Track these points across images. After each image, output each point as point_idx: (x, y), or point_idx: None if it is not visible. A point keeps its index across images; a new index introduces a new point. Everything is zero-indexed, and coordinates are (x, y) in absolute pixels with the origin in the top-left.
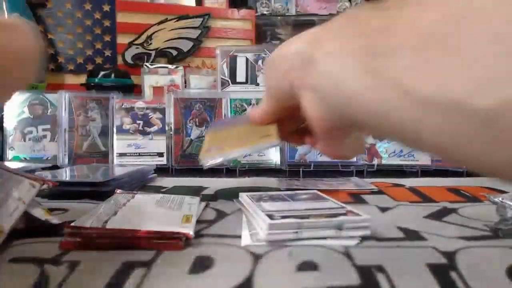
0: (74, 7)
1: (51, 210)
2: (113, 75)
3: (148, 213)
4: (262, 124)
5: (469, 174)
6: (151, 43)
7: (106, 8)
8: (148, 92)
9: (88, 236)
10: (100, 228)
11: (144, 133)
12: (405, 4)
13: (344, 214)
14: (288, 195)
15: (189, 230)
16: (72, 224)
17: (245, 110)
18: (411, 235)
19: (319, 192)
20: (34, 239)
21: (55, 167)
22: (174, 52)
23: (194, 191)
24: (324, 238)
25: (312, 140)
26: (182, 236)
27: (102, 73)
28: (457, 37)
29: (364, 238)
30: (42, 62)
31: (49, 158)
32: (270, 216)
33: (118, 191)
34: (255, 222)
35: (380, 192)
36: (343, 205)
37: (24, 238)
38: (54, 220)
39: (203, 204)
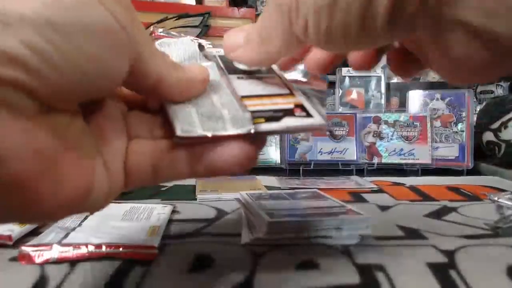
0: None
1: None
2: None
3: (113, 225)
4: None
5: (469, 173)
6: None
7: None
8: None
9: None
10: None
11: None
12: None
13: (344, 213)
14: (288, 194)
15: (153, 242)
16: (32, 242)
17: None
18: (411, 234)
19: (319, 191)
20: (35, 237)
21: None
22: None
23: (194, 190)
24: (324, 237)
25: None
26: (149, 251)
27: None
28: None
29: (364, 237)
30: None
31: None
32: (270, 215)
33: None
34: (255, 221)
35: (380, 190)
36: (343, 204)
37: (27, 238)
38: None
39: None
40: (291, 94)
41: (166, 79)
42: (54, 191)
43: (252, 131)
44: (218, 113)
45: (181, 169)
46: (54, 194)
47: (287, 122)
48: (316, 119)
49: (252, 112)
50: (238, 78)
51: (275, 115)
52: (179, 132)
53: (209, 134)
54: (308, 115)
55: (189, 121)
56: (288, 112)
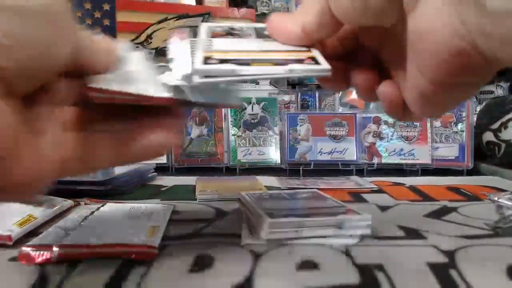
0: (74, 7)
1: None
2: None
3: (113, 225)
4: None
5: (469, 173)
6: (151, 42)
7: (106, 7)
8: None
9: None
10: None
11: None
12: None
13: (344, 213)
14: (288, 194)
15: (153, 243)
16: (32, 242)
17: (245, 109)
18: (411, 233)
19: (319, 191)
20: (35, 237)
21: None
22: None
23: (194, 190)
24: (324, 237)
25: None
26: (149, 250)
27: None
28: None
29: (364, 237)
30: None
31: None
32: (271, 215)
33: (85, 202)
34: (255, 221)
35: (380, 191)
36: (343, 204)
37: (27, 238)
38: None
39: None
40: (308, 50)
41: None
42: (27, 166)
43: (170, 95)
44: (138, 79)
45: (109, 158)
46: (27, 168)
47: (292, 66)
48: (323, 65)
49: (252, 60)
50: (264, 40)
51: (282, 62)
52: (93, 85)
53: (127, 91)
54: (317, 63)
55: (108, 84)
56: (297, 61)
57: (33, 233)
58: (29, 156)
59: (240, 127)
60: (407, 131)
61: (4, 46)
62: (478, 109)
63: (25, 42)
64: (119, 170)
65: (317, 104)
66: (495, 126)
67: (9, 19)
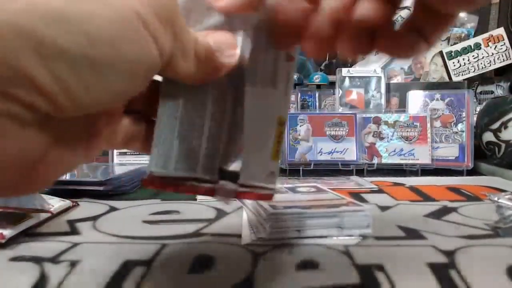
0: None
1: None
2: None
3: None
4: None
5: (469, 173)
6: None
7: None
8: None
9: None
10: None
11: None
12: None
13: (345, 205)
14: (288, 188)
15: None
16: None
17: None
18: (411, 234)
19: (319, 185)
20: (35, 238)
21: None
22: None
23: None
24: (324, 236)
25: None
26: None
27: None
28: None
29: (364, 237)
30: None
31: None
32: (273, 207)
33: None
34: (257, 214)
35: (380, 191)
36: (344, 196)
37: (24, 237)
38: None
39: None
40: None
41: (190, 72)
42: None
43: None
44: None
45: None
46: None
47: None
48: None
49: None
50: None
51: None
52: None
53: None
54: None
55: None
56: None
57: (26, 232)
58: (56, 164)
59: None
60: (407, 131)
61: (48, 92)
62: (478, 109)
63: (80, 95)
64: (119, 170)
65: (317, 104)
66: (495, 126)
67: (70, 68)
